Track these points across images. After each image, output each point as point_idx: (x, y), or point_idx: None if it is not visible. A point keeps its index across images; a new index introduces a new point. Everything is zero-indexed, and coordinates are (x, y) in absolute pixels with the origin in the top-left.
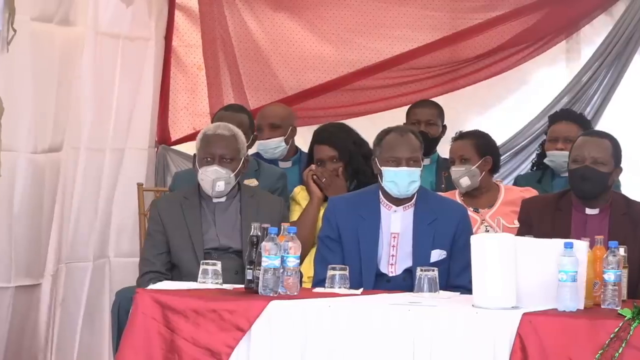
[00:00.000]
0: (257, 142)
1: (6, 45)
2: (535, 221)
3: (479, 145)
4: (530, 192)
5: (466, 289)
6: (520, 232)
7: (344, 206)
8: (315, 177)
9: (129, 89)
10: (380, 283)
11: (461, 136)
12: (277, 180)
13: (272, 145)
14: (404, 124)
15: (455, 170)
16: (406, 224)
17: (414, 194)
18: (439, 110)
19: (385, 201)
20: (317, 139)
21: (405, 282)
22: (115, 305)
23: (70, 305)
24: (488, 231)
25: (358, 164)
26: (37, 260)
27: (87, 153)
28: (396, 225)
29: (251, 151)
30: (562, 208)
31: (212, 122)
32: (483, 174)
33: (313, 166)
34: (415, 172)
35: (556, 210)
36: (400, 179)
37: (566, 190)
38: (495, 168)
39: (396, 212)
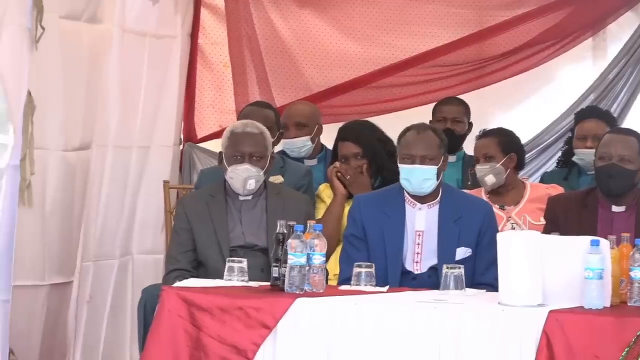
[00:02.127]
0: (283, 141)
1: (35, 44)
2: (561, 219)
3: (503, 143)
4: (556, 189)
5: (492, 286)
6: (547, 230)
7: (369, 204)
8: (339, 174)
9: (156, 87)
10: (406, 281)
11: (485, 134)
12: (302, 176)
13: (298, 145)
14: (430, 121)
15: (480, 169)
16: (431, 222)
17: (436, 192)
18: (465, 108)
19: (410, 199)
20: (342, 135)
21: (431, 280)
22: (142, 302)
23: (97, 303)
24: (514, 228)
25: (382, 161)
26: (69, 258)
27: (115, 151)
28: (421, 223)
29: (277, 148)
30: (588, 205)
31: (238, 118)
32: (508, 171)
33: (337, 163)
34: (429, 170)
35: (582, 207)
36: (413, 176)
37: (592, 188)
38: (520, 165)
39: (421, 209)
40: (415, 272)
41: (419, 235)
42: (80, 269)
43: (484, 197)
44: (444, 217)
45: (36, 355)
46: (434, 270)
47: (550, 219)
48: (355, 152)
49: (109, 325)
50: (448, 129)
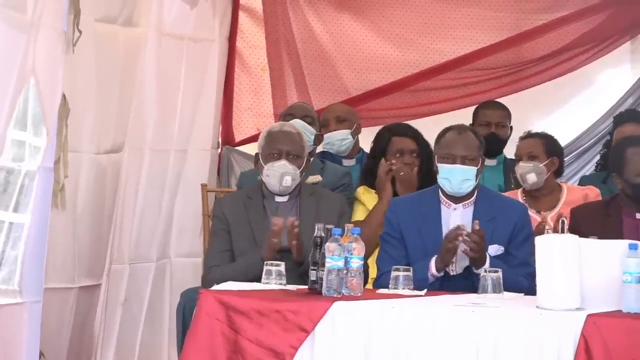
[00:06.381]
0: (324, 137)
1: (72, 47)
2: (585, 229)
3: (548, 145)
4: (592, 190)
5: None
6: None
7: (405, 206)
8: (393, 169)
9: (193, 90)
10: (442, 282)
11: (530, 135)
12: (341, 177)
13: (339, 137)
14: (471, 124)
15: (523, 166)
16: (466, 222)
17: (472, 192)
18: (507, 112)
19: (445, 199)
20: (397, 131)
21: (467, 281)
22: (180, 306)
23: (133, 306)
24: (548, 232)
25: (431, 165)
26: (98, 260)
27: (151, 154)
28: (456, 223)
29: (316, 150)
30: (611, 214)
31: (280, 115)
32: (549, 174)
33: (389, 161)
34: (470, 170)
35: (606, 216)
36: (453, 176)
37: (614, 196)
38: (559, 172)
39: (456, 209)
40: (451, 273)
41: None
42: (109, 271)
43: (520, 199)
44: (478, 217)
45: (64, 358)
46: (468, 270)
47: (573, 229)
48: (412, 148)
49: (146, 328)
50: (492, 134)
